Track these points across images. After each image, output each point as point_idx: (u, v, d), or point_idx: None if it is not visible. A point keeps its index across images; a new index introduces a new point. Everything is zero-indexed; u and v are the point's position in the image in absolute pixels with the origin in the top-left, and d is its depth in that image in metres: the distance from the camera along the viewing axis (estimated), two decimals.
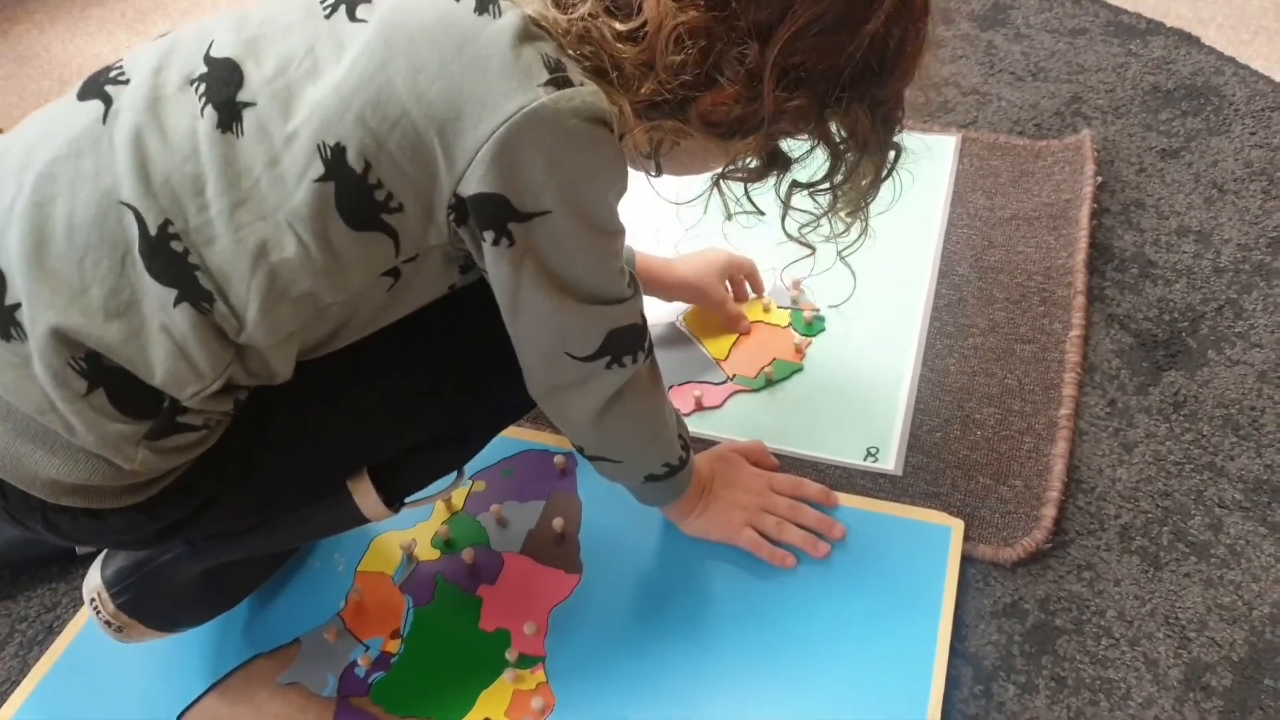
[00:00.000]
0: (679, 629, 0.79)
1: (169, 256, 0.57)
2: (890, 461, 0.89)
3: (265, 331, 0.59)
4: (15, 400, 0.58)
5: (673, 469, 0.76)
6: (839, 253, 0.76)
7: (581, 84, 0.58)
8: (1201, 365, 0.95)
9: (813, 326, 1.02)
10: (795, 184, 0.71)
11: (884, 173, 0.71)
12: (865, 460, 0.89)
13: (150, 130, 0.57)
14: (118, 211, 0.57)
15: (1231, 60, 1.33)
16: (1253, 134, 1.20)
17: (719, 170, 0.71)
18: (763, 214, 0.72)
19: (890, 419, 0.92)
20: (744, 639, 0.78)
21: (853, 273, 0.80)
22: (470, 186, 0.58)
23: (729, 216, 0.72)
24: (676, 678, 0.76)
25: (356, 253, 0.60)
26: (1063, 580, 0.80)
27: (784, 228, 0.72)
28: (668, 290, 0.99)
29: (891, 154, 0.71)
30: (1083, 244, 1.05)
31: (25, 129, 0.62)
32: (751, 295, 1.05)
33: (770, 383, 0.97)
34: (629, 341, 0.68)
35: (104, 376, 0.57)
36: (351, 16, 0.60)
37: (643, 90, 0.61)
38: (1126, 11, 1.44)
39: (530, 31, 0.59)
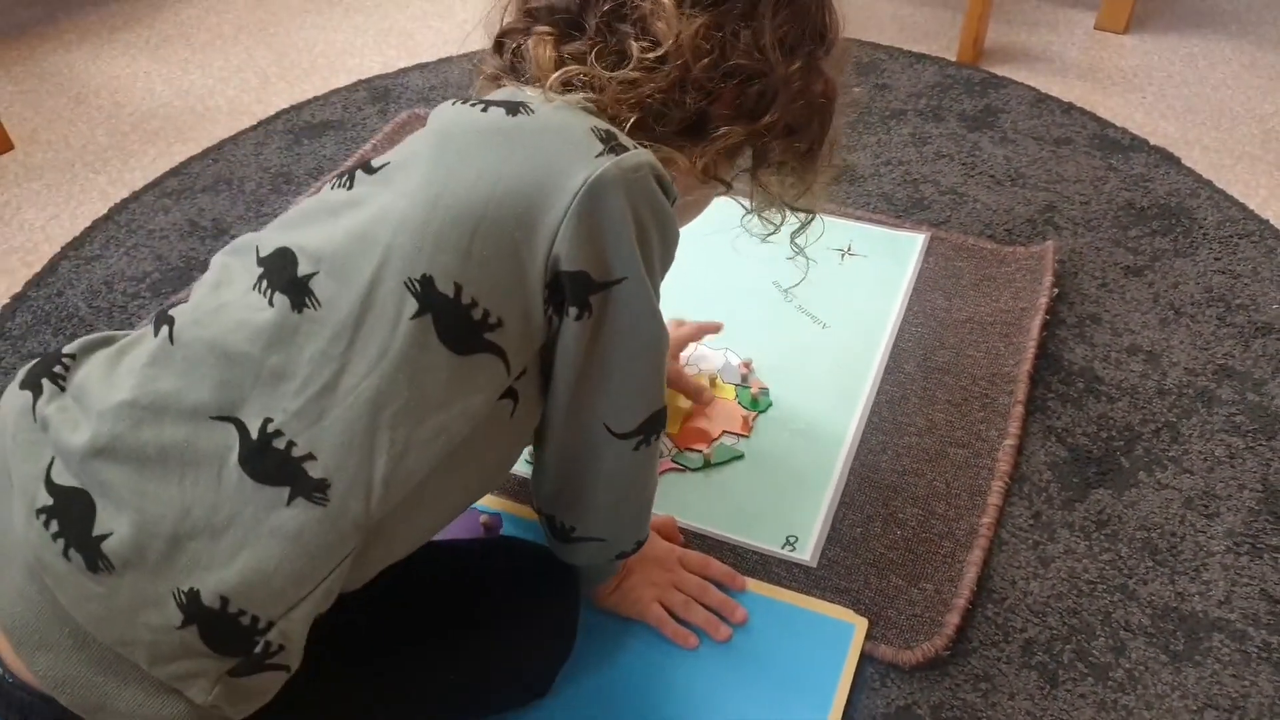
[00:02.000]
0: (578, 698, 0.80)
1: (274, 456, 0.56)
2: (807, 552, 0.90)
3: (398, 486, 0.58)
4: (96, 631, 0.56)
5: (639, 544, 0.78)
6: (792, 238, 0.81)
7: (635, 147, 0.60)
8: (1131, 486, 0.96)
9: (758, 402, 1.04)
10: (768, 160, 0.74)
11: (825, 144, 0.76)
12: (783, 548, 0.90)
13: (227, 335, 0.57)
14: (209, 430, 0.56)
15: (1209, 184, 1.35)
16: (1217, 259, 1.22)
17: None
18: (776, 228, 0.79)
19: (814, 510, 0.93)
20: (632, 716, 0.78)
21: (808, 259, 0.84)
22: (555, 269, 0.58)
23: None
24: None
25: (470, 378, 0.59)
26: (959, 689, 0.80)
27: (752, 206, 0.78)
28: None
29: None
30: (1030, 354, 1.07)
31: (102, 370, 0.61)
32: (694, 370, 1.07)
33: (708, 465, 0.98)
34: (658, 424, 0.69)
35: (200, 614, 0.55)
36: (369, 170, 0.63)
37: (686, 113, 0.65)
38: (1114, 126, 1.47)
39: (570, 114, 0.62)
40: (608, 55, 0.65)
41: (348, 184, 0.63)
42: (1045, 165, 1.40)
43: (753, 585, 0.86)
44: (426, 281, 0.57)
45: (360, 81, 1.64)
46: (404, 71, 1.67)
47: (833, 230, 1.27)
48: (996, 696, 0.80)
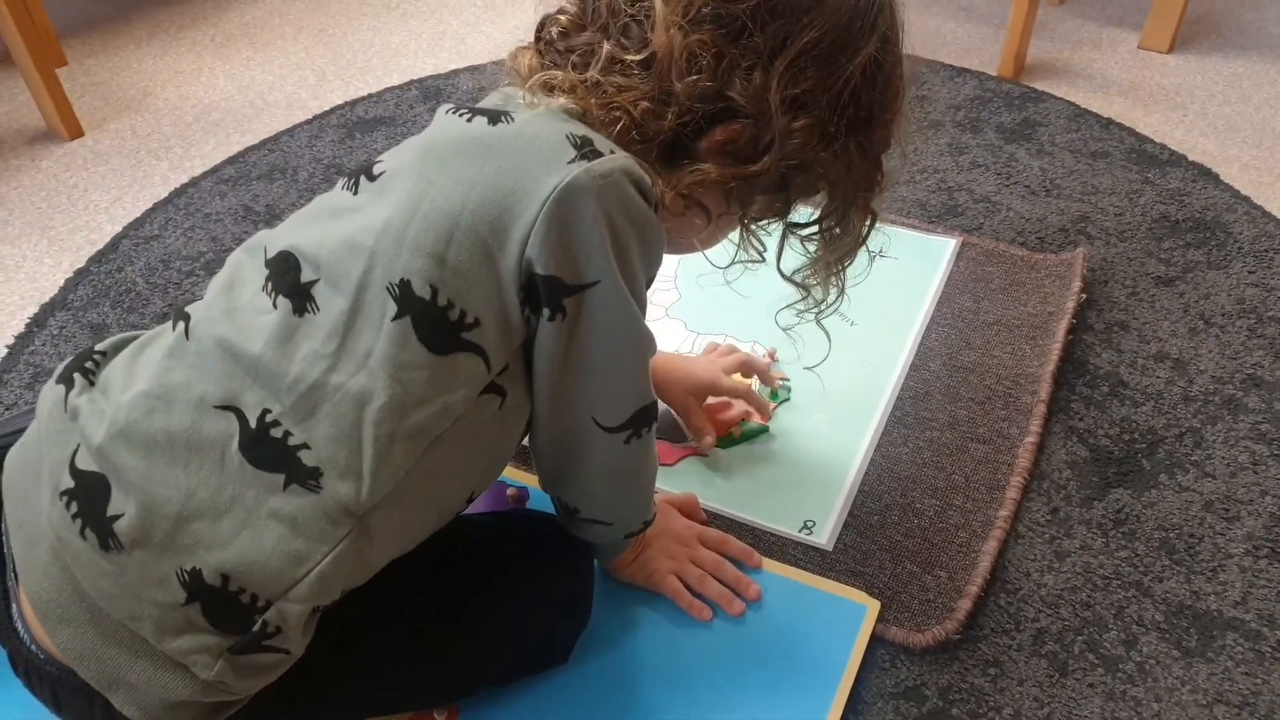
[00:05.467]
0: (592, 664, 0.82)
1: (271, 444, 0.59)
2: (824, 536, 0.92)
3: (386, 477, 0.61)
4: (108, 606, 0.59)
5: (647, 524, 0.81)
6: (817, 317, 0.81)
7: (611, 151, 0.61)
8: (1150, 487, 0.96)
9: (777, 394, 1.06)
10: (791, 226, 0.75)
11: (865, 230, 0.76)
12: (800, 532, 0.92)
13: (235, 335, 0.61)
14: (212, 418, 0.60)
15: (1246, 200, 1.35)
16: (1251, 272, 1.22)
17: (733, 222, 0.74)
18: (762, 259, 0.78)
19: (833, 496, 0.95)
20: (647, 683, 0.81)
21: (828, 336, 0.85)
22: (529, 272, 0.60)
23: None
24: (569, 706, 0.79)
25: (450, 376, 0.62)
26: (967, 672, 0.82)
27: (779, 267, 0.77)
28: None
29: (868, 221, 0.77)
30: (1055, 355, 1.08)
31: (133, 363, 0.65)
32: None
33: (734, 441, 1.01)
34: (649, 417, 0.71)
35: (202, 591, 0.58)
36: (370, 176, 0.65)
37: (662, 127, 0.64)
38: (1152, 141, 1.48)
39: (547, 121, 0.63)
40: (595, 60, 0.65)
41: (353, 188, 0.66)
42: (1081, 177, 1.40)
43: (769, 565, 0.89)
44: (405, 285, 0.60)
45: (412, 81, 1.70)
46: (455, 73, 1.72)
47: None
48: (1005, 682, 0.81)
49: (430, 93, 1.66)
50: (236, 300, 0.64)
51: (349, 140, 1.54)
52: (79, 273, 1.28)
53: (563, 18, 0.69)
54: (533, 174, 0.60)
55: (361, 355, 0.60)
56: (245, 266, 0.66)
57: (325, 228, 0.65)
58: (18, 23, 1.45)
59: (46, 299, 1.24)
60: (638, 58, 0.65)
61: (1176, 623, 0.85)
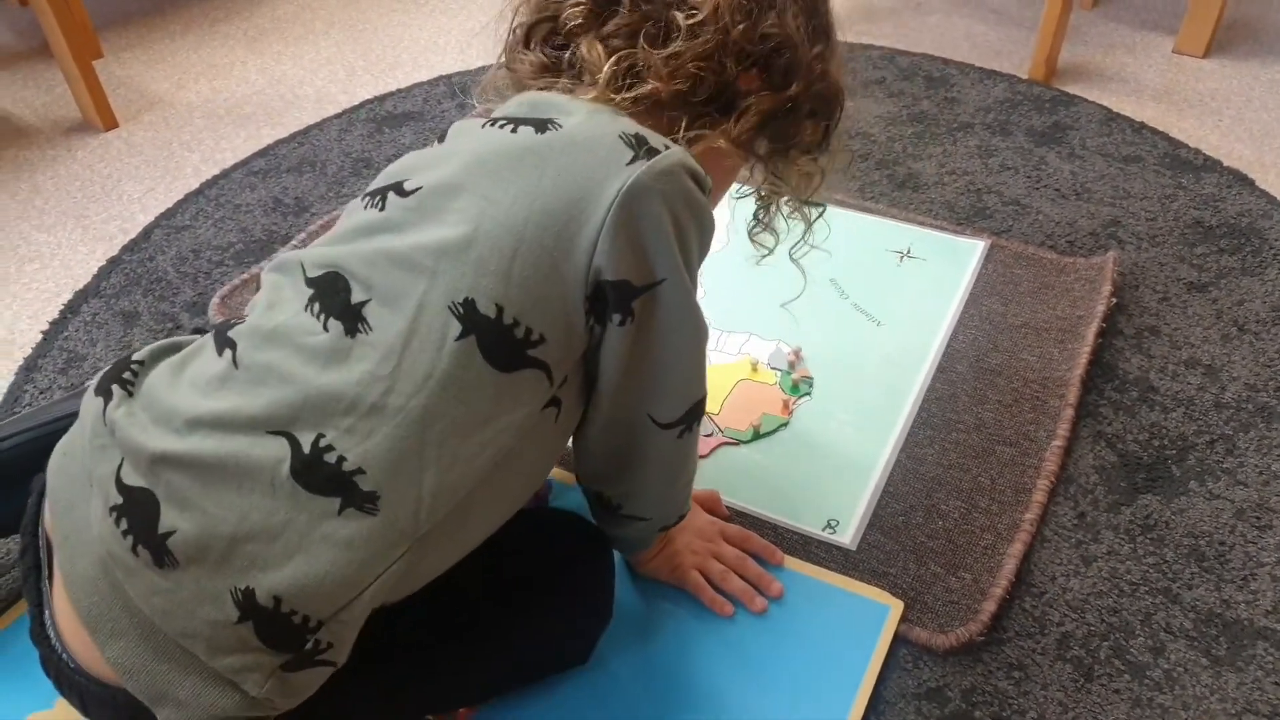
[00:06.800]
0: (611, 660, 0.82)
1: (325, 469, 0.58)
2: (848, 536, 0.91)
3: (446, 499, 0.60)
4: (161, 622, 0.58)
5: (681, 518, 0.81)
6: (790, 252, 0.85)
7: (666, 147, 0.61)
8: (1180, 494, 0.95)
9: (799, 388, 1.06)
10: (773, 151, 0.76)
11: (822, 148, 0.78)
12: (823, 530, 0.92)
13: (284, 359, 0.60)
14: (263, 443, 0.58)
15: None
16: None
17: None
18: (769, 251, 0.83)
19: (857, 495, 0.95)
20: (666, 680, 0.81)
21: (804, 272, 0.88)
22: (597, 279, 0.60)
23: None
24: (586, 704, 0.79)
25: (514, 393, 0.61)
26: (991, 675, 0.81)
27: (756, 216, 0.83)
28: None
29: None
30: (1084, 359, 1.07)
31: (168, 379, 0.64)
32: (742, 356, 1.10)
33: (757, 435, 1.01)
34: (699, 412, 0.71)
35: (255, 611, 0.58)
36: (402, 192, 0.64)
37: (725, 79, 0.68)
38: (1186, 146, 1.46)
39: (597, 123, 0.63)
40: (652, 32, 0.67)
41: (380, 205, 0.64)
42: (1112, 181, 1.39)
43: (791, 563, 0.88)
44: (469, 304, 0.59)
45: (441, 77, 1.71)
46: (483, 69, 1.72)
47: (892, 233, 1.29)
48: (1029, 685, 0.80)
49: (458, 89, 1.66)
50: (280, 322, 0.62)
51: (377, 135, 1.55)
52: (112, 261, 1.29)
53: (577, 8, 0.69)
54: (593, 179, 0.59)
55: (421, 376, 0.59)
56: (283, 287, 0.65)
57: (363, 246, 0.63)
58: (57, 15, 1.47)
59: (80, 286, 1.25)
60: (693, 20, 0.67)
61: (1206, 630, 0.84)
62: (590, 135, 0.62)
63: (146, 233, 1.34)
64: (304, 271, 0.64)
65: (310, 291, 0.62)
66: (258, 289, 0.68)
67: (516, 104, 0.69)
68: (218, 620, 0.57)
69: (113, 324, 1.19)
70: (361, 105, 1.63)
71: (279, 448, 0.58)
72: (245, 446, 0.58)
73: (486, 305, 0.59)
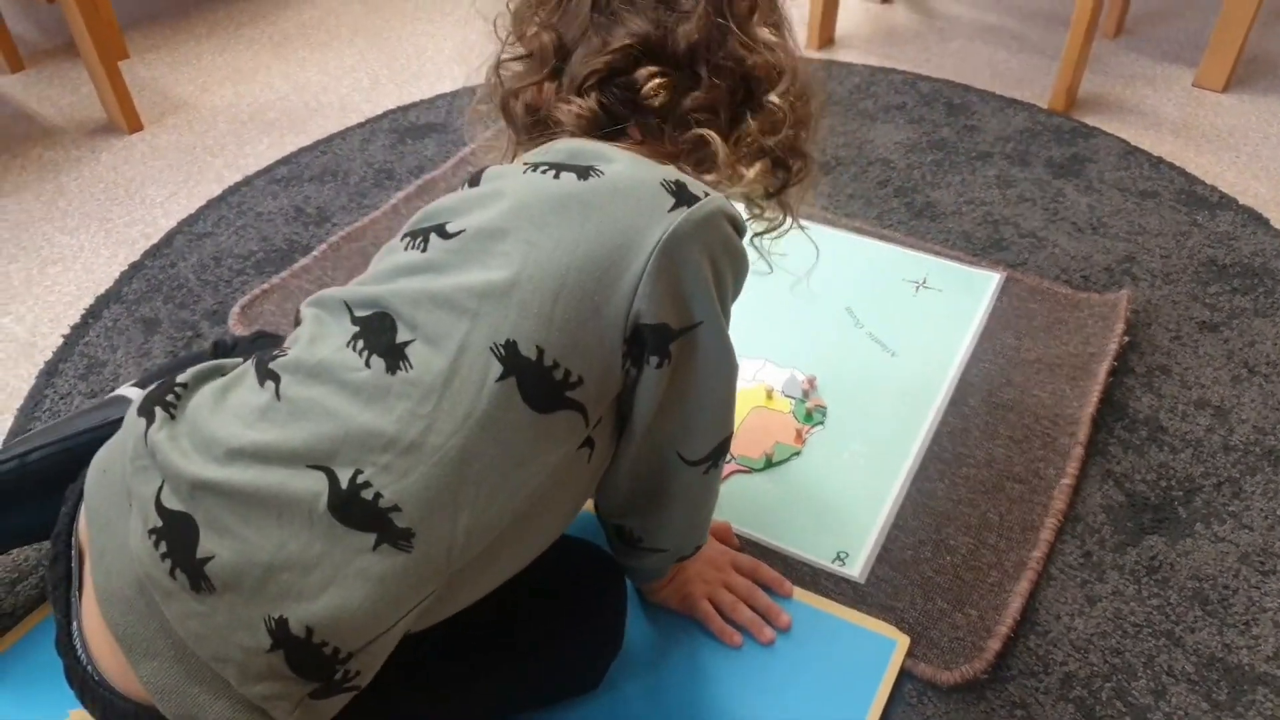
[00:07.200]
0: (620, 687, 0.83)
1: (362, 505, 0.59)
2: (856, 569, 0.92)
3: (480, 537, 0.62)
4: (195, 646, 0.59)
5: (698, 549, 0.82)
6: (755, 235, 0.84)
7: (706, 194, 0.64)
8: (1186, 536, 0.96)
9: (812, 417, 1.07)
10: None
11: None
12: (832, 562, 0.93)
13: (326, 396, 0.61)
14: (302, 476, 0.59)
15: None
16: None
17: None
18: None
19: (867, 528, 0.96)
20: (674, 709, 0.82)
21: (769, 263, 0.84)
22: (636, 323, 0.62)
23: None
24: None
25: (551, 434, 0.63)
26: (993, 713, 0.82)
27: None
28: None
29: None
30: (1095, 397, 1.08)
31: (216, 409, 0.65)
32: (757, 383, 1.11)
33: (770, 464, 1.02)
34: (726, 449, 0.73)
35: (287, 641, 0.59)
36: (444, 234, 0.65)
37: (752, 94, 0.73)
38: (1202, 183, 1.47)
39: (638, 170, 0.65)
40: (739, 105, 0.72)
41: (421, 246, 0.66)
42: (1129, 216, 1.40)
43: (800, 594, 0.89)
44: (510, 346, 0.60)
45: (465, 89, 1.72)
46: None
47: (909, 262, 1.30)
48: None
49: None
50: (323, 358, 0.63)
51: (400, 145, 1.56)
52: (133, 266, 1.31)
53: (656, 81, 0.72)
54: (635, 226, 0.61)
55: (461, 416, 0.60)
56: (326, 322, 0.66)
57: (405, 286, 0.64)
58: (84, 13, 1.49)
59: (101, 291, 1.27)
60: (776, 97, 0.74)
61: (1207, 674, 0.85)
62: (632, 182, 0.64)
63: (169, 238, 1.36)
64: (349, 310, 0.65)
65: (355, 329, 0.63)
66: (297, 323, 0.69)
67: (555, 150, 0.70)
68: (250, 647, 0.58)
69: (133, 330, 1.20)
70: (385, 115, 1.65)
71: (317, 481, 0.59)
72: (284, 479, 0.59)
73: (528, 347, 0.61)
